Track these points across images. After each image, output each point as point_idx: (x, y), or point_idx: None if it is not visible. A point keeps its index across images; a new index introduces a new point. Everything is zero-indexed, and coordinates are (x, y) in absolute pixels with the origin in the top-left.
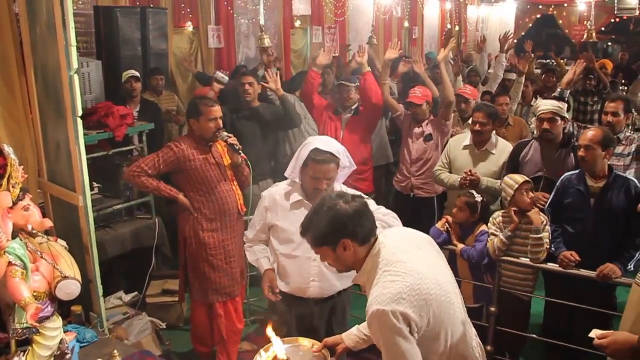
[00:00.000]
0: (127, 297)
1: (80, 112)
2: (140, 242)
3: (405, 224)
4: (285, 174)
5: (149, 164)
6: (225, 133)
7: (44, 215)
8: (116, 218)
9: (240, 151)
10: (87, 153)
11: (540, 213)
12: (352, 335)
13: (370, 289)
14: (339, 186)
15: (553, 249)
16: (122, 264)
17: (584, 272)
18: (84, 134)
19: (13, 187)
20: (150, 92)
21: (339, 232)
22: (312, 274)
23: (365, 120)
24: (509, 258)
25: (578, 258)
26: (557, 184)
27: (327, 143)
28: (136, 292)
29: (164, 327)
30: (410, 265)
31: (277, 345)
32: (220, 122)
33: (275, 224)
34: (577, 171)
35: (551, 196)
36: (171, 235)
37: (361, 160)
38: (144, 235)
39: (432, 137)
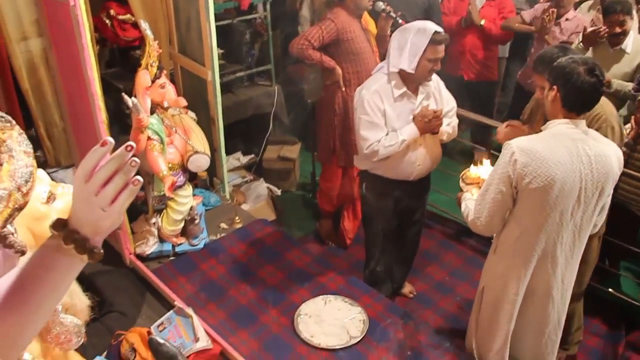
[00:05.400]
0: (245, 159)
1: None
2: (260, 108)
3: None
4: (401, 67)
5: (314, 37)
6: (381, 2)
7: (174, 84)
8: (238, 84)
9: (398, 18)
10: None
11: None
12: None
13: None
14: None
15: None
16: (241, 128)
17: None
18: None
19: (151, 65)
20: None
21: (558, 78)
22: (418, 158)
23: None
24: (627, 170)
25: None
26: None
27: (433, 24)
28: (253, 155)
29: (279, 193)
30: (561, 154)
31: (486, 168)
32: None
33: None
34: None
35: None
36: (289, 103)
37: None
38: (264, 101)
39: None
